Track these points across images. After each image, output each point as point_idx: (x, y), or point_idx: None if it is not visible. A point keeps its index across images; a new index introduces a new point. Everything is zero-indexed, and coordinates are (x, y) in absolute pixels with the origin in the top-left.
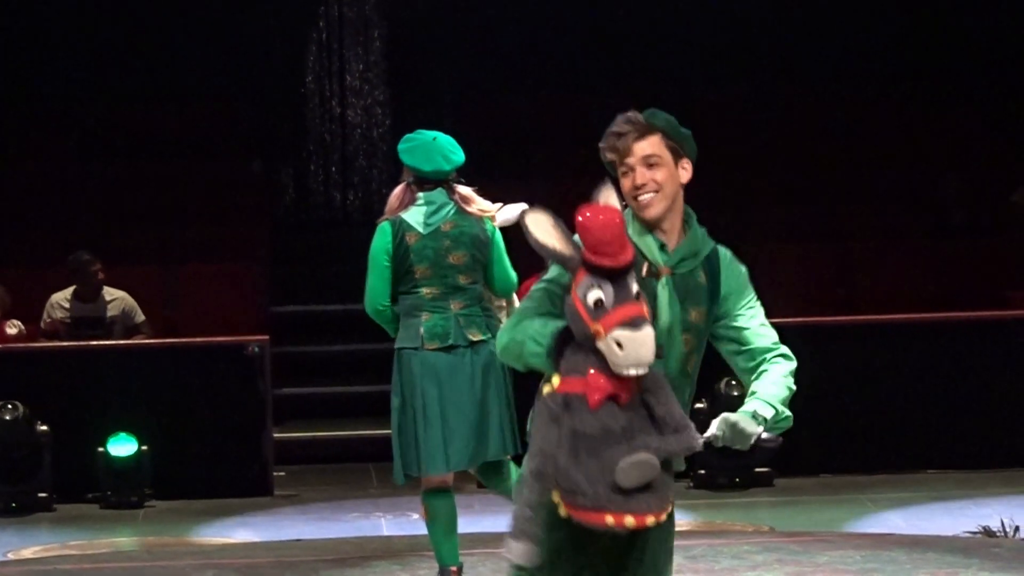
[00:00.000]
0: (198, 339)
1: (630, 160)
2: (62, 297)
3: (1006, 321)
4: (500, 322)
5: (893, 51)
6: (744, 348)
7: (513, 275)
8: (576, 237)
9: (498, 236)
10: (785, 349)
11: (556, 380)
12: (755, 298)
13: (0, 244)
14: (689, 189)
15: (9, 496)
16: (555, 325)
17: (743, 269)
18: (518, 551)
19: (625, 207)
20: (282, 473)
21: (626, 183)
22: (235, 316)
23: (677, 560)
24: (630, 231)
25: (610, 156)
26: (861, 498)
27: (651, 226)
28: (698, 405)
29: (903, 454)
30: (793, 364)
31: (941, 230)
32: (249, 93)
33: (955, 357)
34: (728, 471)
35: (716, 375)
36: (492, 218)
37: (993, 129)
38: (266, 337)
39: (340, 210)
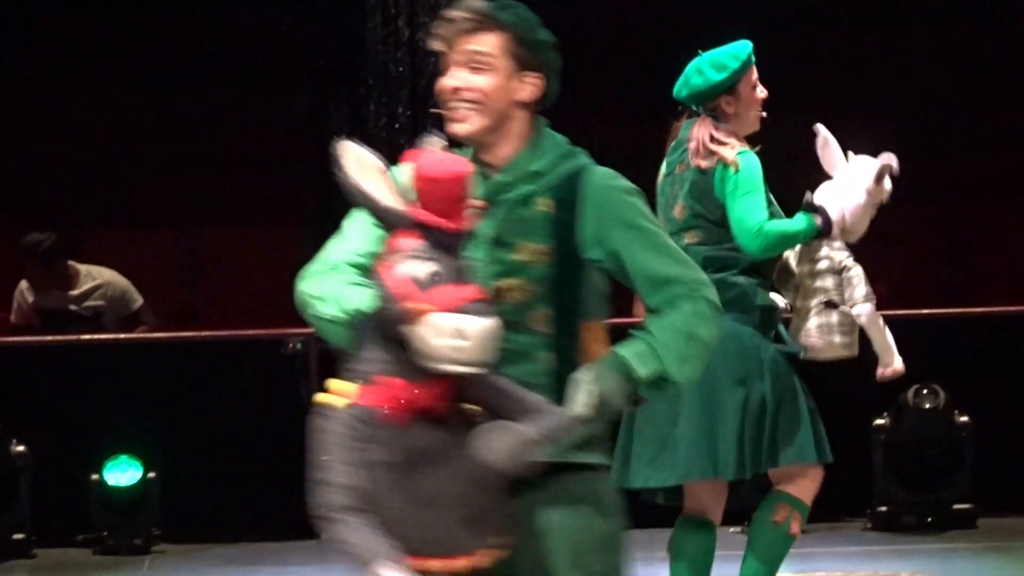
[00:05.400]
0: (222, 332)
1: (453, 56)
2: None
3: None
4: (762, 300)
5: None
6: (640, 288)
7: (747, 231)
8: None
9: (741, 183)
10: (697, 288)
11: (351, 387)
12: (650, 224)
13: None
14: None
15: None
16: (365, 296)
17: (625, 190)
18: None
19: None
20: None
21: (442, 83)
22: (271, 300)
23: None
24: None
25: (436, 45)
26: None
27: (473, 148)
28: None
29: None
30: (699, 306)
31: None
32: (290, 7)
33: None
34: (917, 508)
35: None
36: (730, 162)
37: None
38: (311, 329)
39: None
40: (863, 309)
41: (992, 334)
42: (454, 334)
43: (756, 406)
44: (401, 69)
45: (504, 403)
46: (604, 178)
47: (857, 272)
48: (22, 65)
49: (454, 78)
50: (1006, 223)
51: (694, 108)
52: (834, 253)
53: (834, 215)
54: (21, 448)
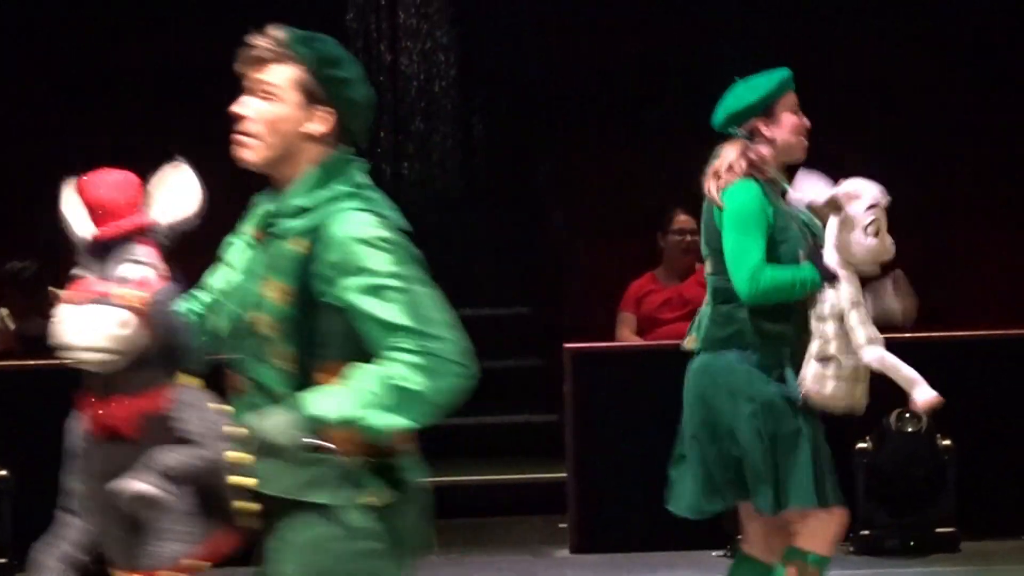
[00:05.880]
0: None
1: (247, 82)
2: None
3: None
4: (765, 337)
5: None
6: (366, 335)
7: (739, 274)
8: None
9: (730, 219)
10: (423, 342)
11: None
12: (383, 274)
13: None
14: None
15: None
16: None
17: (364, 239)
18: None
19: None
20: None
21: (232, 108)
22: None
23: None
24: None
25: (237, 70)
26: None
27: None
28: (861, 444)
29: None
30: (418, 359)
31: None
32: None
33: None
34: (900, 532)
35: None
36: (714, 200)
37: None
38: None
39: (390, 186)
40: (868, 354)
41: (974, 358)
42: (58, 327)
43: (745, 445)
44: (381, 94)
45: (181, 425)
46: (348, 224)
47: (855, 317)
48: (1, 88)
49: (241, 105)
50: (988, 247)
51: (730, 132)
52: (839, 297)
53: (828, 259)
54: (3, 472)
